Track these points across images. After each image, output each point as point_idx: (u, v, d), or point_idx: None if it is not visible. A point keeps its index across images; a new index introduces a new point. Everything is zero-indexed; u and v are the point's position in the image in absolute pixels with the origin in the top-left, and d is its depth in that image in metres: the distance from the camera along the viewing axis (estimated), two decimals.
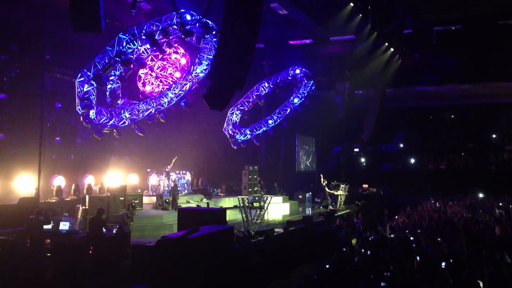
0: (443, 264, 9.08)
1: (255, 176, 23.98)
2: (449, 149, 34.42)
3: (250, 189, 23.26)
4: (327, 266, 10.10)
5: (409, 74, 31.11)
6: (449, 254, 9.94)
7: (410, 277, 8.26)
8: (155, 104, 19.08)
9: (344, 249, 12.38)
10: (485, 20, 26.89)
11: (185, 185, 22.32)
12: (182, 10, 17.72)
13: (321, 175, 25.26)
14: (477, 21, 27.12)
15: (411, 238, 12.93)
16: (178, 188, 20.19)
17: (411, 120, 36.45)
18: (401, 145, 36.53)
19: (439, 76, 31.49)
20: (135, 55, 18.32)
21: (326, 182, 24.72)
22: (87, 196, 15.64)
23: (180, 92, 19.21)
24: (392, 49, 27.21)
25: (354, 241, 15.72)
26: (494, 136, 34.58)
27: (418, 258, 9.80)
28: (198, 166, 25.56)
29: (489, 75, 29.28)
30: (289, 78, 25.98)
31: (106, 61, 17.31)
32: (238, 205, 16.73)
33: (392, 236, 14.17)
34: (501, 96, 32.03)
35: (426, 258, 9.71)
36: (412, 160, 34.76)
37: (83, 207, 15.14)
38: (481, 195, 25.90)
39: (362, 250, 11.56)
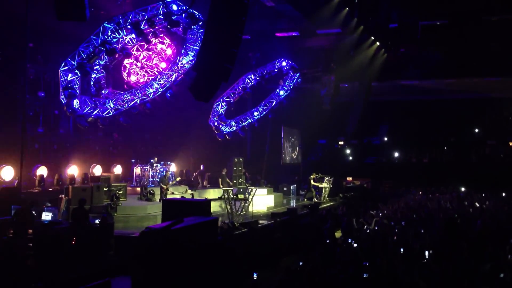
0: (426, 254, 9.22)
1: (240, 168, 23.95)
2: (432, 143, 34.89)
3: (235, 181, 23.26)
4: (310, 258, 10.18)
5: (394, 68, 31.31)
6: (431, 246, 10.08)
7: (392, 268, 8.36)
8: (140, 94, 18.92)
9: (327, 241, 12.49)
10: (470, 15, 27.15)
11: (170, 176, 22.23)
12: (168, 0, 17.56)
13: (313, 174, 25.09)
14: (462, 17, 27.38)
15: (394, 230, 13.08)
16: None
17: (396, 114, 36.75)
18: (385, 139, 36.87)
19: (424, 70, 31.77)
20: (120, 45, 18.11)
21: (314, 175, 24.76)
22: (70, 187, 15.50)
23: (166, 83, 19.07)
24: (377, 43, 27.35)
25: (338, 234, 15.86)
26: (476, 130, 35.11)
27: (401, 250, 9.92)
28: (183, 158, 25.47)
29: (473, 70, 29.61)
30: (275, 70, 25.98)
31: (91, 50, 17.10)
32: (223, 196, 16.73)
33: (375, 228, 14.32)
34: (484, 91, 32.47)
35: (409, 250, 9.84)
36: (396, 154, 35.13)
37: (66, 198, 15.01)
38: (462, 189, 26.30)
39: (347, 241, 11.67)
